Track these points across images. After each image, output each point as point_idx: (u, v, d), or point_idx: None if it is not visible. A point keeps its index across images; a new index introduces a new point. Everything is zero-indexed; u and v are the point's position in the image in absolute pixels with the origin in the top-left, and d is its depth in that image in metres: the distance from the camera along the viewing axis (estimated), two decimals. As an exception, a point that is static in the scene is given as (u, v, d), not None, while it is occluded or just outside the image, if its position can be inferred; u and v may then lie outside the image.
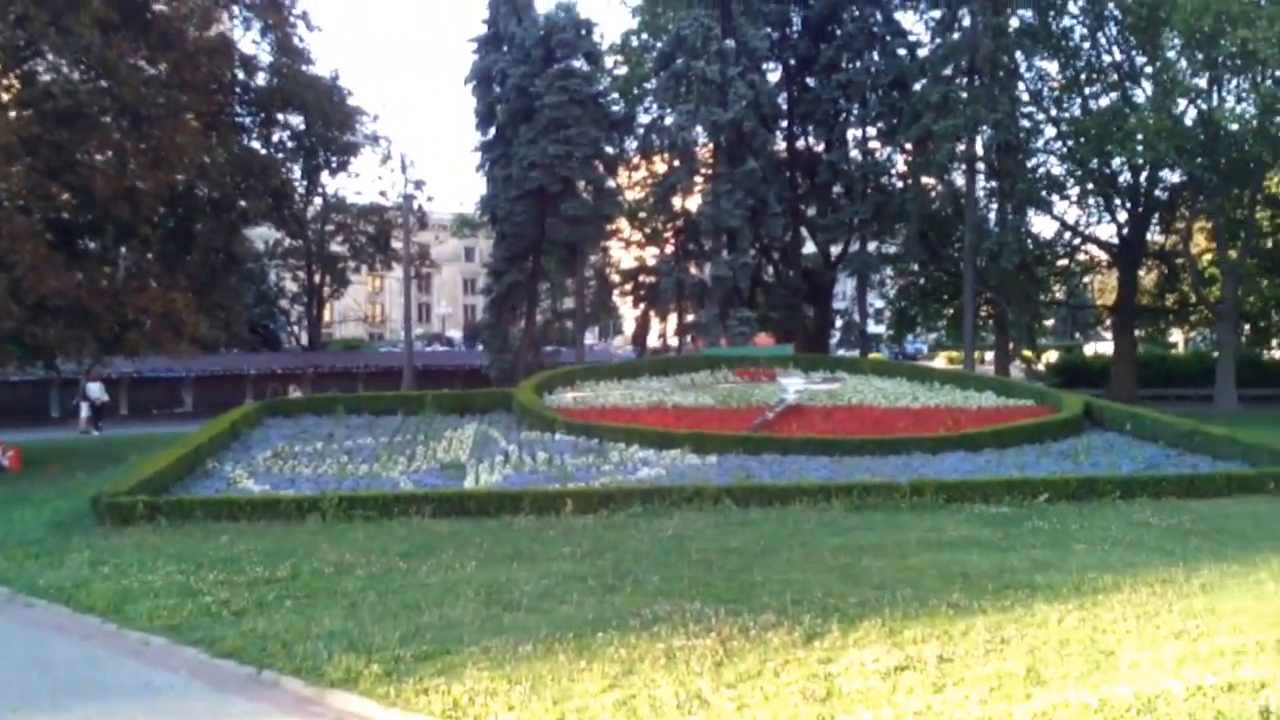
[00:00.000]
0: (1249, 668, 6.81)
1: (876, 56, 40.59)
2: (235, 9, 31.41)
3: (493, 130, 41.61)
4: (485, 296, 45.91)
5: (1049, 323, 53.29)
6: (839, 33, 40.10)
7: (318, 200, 51.12)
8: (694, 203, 40.49)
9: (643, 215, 44.82)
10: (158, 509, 13.82)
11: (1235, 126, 35.65)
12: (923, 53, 40.54)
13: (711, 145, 38.90)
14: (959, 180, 39.63)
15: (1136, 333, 46.33)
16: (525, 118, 38.74)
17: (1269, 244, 43.07)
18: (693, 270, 40.38)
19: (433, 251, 62.19)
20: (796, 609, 8.76)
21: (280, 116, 33.81)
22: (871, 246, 42.32)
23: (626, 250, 47.71)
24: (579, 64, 40.08)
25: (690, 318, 40.77)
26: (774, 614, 8.60)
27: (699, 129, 38.32)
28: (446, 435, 19.70)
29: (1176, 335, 61.61)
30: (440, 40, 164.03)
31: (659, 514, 13.60)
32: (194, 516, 13.75)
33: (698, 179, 39.79)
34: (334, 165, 44.48)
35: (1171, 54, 36.74)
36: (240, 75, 30.68)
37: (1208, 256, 45.22)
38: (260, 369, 44.77)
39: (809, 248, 45.26)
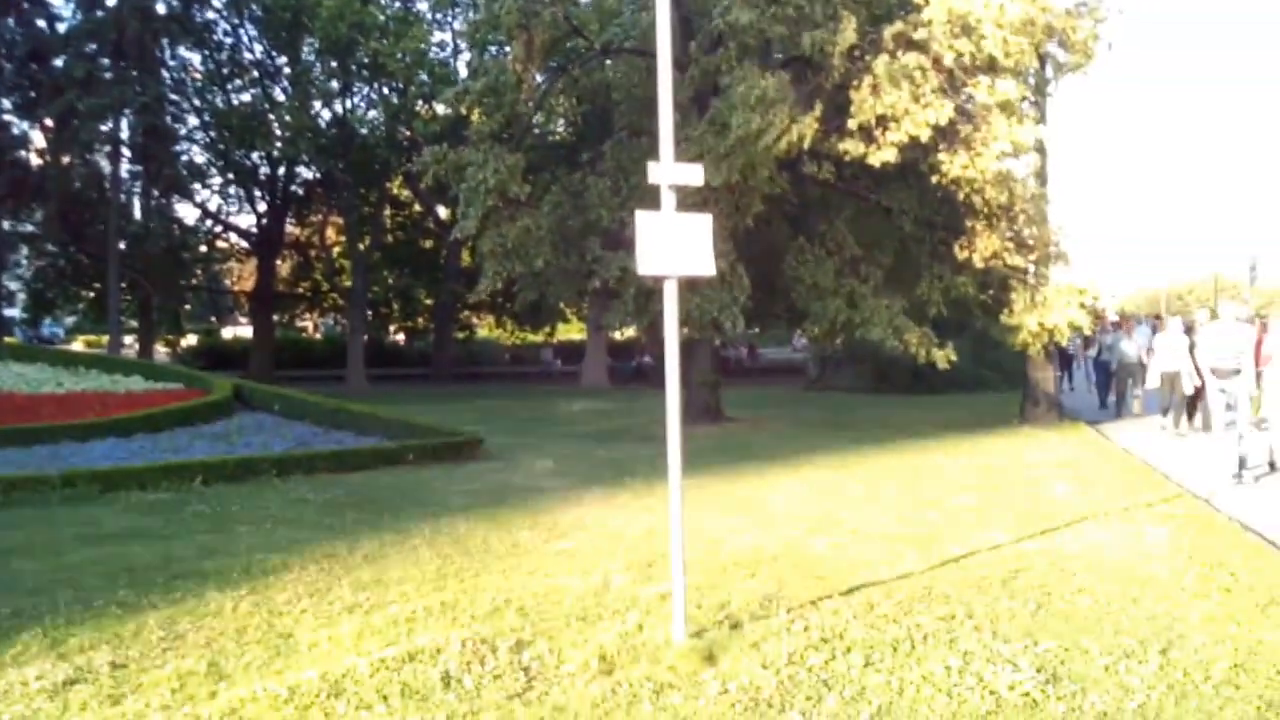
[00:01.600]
0: (422, 635, 6.89)
1: (13, 24, 35.94)
2: None
3: None
4: None
5: (187, 307, 51.84)
6: (-33, -5, 34.93)
7: None
8: None
9: None
10: None
11: (365, 131, 37.86)
12: (64, 27, 36.88)
13: None
14: (104, 162, 36.73)
15: (274, 317, 47.13)
16: None
17: (391, 239, 46.45)
18: None
19: None
20: (-63, 631, 7.15)
21: None
22: (6, 225, 37.52)
23: None
24: None
25: None
26: (-91, 640, 6.92)
27: None
28: None
29: (308, 320, 63.83)
30: None
31: None
32: None
33: None
34: None
35: (310, 57, 37.83)
36: None
37: (339, 248, 47.52)
38: None
39: (-69, 223, 38.86)
